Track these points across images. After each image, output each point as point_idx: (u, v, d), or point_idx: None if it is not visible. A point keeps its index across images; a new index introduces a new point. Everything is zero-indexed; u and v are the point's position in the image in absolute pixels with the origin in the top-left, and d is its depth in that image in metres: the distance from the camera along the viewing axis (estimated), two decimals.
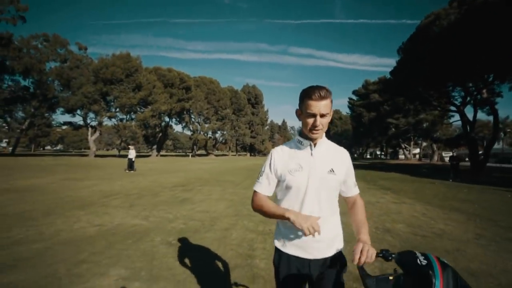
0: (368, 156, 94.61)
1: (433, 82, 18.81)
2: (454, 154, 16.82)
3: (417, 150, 66.29)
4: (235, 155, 75.14)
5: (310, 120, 1.20)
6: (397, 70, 22.79)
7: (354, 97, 66.36)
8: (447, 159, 34.87)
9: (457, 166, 15.21)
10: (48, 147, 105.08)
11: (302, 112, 1.23)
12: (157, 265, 3.13)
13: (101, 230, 4.37)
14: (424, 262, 0.91)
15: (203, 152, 73.98)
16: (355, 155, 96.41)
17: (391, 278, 0.98)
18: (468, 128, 24.78)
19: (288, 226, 1.27)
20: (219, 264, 3.19)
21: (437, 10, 16.07)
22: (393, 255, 1.05)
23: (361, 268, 1.04)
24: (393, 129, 53.74)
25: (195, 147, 63.16)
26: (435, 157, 54.70)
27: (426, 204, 7.28)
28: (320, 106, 1.16)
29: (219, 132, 64.60)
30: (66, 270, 2.93)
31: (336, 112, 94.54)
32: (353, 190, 1.38)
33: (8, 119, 54.31)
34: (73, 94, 35.73)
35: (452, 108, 26.54)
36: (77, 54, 39.52)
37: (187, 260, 3.27)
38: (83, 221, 4.88)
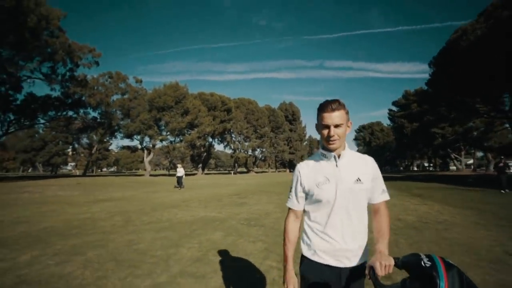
0: (415, 168, 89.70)
1: (467, 92, 19.12)
2: (502, 163, 14.39)
3: (471, 161, 61.80)
4: (274, 172, 76.87)
5: (326, 131, 1.25)
6: (431, 82, 23.23)
7: (395, 108, 64.79)
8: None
9: (501, 175, 13.34)
10: (104, 169, 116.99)
11: (319, 125, 1.29)
12: (239, 230, 5.16)
13: (195, 218, 6.59)
14: (428, 263, 0.89)
15: (243, 169, 76.98)
16: (401, 168, 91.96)
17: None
18: None
19: (318, 232, 1.31)
20: (275, 233, 5.11)
21: (464, 26, 16.85)
22: (399, 259, 1.05)
23: (374, 278, 1.04)
24: (440, 139, 51.41)
25: (236, 164, 66.42)
26: (491, 167, 50.71)
27: (446, 205, 8.43)
28: (333, 117, 1.22)
29: (258, 149, 67.25)
30: (190, 231, 5.13)
31: (378, 124, 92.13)
32: (380, 196, 1.36)
33: (76, 145, 63.07)
34: (132, 121, 41.19)
35: (499, 114, 25.73)
36: (134, 86, 45.65)
37: (254, 230, 5.25)
38: (179, 214, 7.19)
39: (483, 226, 5.54)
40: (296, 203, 1.40)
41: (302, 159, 77.51)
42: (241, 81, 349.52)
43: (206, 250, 4.12)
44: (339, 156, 1.30)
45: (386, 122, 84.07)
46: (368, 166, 1.34)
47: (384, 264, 1.06)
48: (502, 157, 26.39)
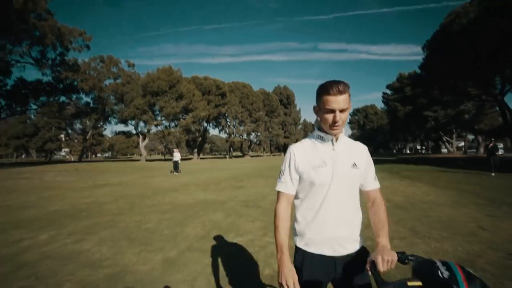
0: (408, 151, 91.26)
1: (459, 75, 19.46)
2: (491, 145, 14.47)
3: (463, 143, 63.17)
4: (269, 156, 77.61)
5: (330, 116, 1.18)
6: (424, 65, 23.46)
7: (388, 92, 65.07)
8: (501, 151, 31.55)
9: (492, 157, 13.34)
10: (99, 154, 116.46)
11: (321, 109, 1.21)
12: (238, 211, 5.54)
13: (196, 201, 6.96)
14: (446, 274, 0.81)
15: (238, 153, 77.52)
16: (394, 150, 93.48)
17: (409, 283, 0.88)
18: (509, 117, 24.51)
19: (310, 221, 1.25)
20: (271, 213, 5.49)
21: (458, 9, 16.93)
22: (409, 258, 1.01)
23: (375, 274, 0.99)
24: (432, 122, 52.29)
25: (231, 149, 66.85)
26: (481, 149, 52.08)
27: (433, 186, 8.95)
28: (339, 101, 1.14)
29: (253, 133, 67.61)
30: (193, 213, 5.50)
31: (372, 107, 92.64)
32: (373, 183, 1.35)
33: (69, 131, 62.48)
34: (126, 106, 40.88)
35: (490, 98, 26.25)
36: (127, 70, 44.94)
37: (252, 211, 5.64)
38: (180, 197, 7.55)
39: (463, 205, 6.01)
40: (291, 186, 1.30)
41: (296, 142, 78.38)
42: (235, 63, 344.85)
43: (209, 229, 4.49)
44: (336, 140, 1.26)
45: (380, 105, 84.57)
46: (362, 152, 1.33)
47: (386, 259, 1.03)
48: (493, 139, 27.02)
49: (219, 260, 3.20)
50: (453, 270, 0.81)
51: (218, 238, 3.99)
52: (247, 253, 3.44)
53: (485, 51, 15.50)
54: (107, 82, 42.05)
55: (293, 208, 1.33)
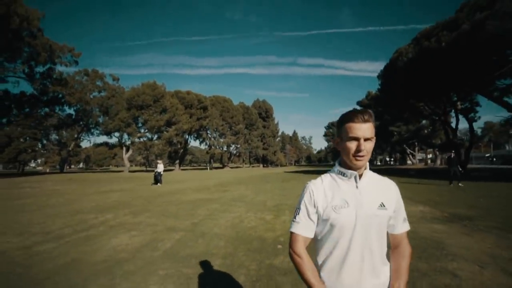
0: (379, 163, 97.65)
1: (408, 98, 23.61)
2: (452, 157, 13.82)
3: (425, 156, 69.52)
4: (248, 167, 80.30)
5: (353, 145, 1.07)
6: (381, 90, 27.62)
7: (359, 108, 70.34)
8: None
9: (451, 168, 13.34)
10: (73, 166, 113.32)
11: (342, 139, 1.11)
12: (229, 204, 8.23)
13: (196, 199, 9.54)
14: None
15: (219, 165, 79.49)
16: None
17: None
18: (450, 134, 29.15)
19: (330, 269, 1.13)
20: (251, 203, 8.20)
21: (401, 48, 21.04)
22: None
23: None
24: (397, 136, 57.87)
25: (211, 160, 68.84)
26: (438, 161, 58.12)
27: None
28: (363, 129, 1.06)
29: (233, 145, 70.25)
30: (198, 205, 8.12)
31: None
32: (403, 226, 1.20)
33: (45, 142, 61.65)
34: (111, 119, 42.23)
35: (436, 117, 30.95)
36: (112, 84, 46.38)
37: (238, 203, 8.34)
38: (183, 197, 10.11)
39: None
40: (308, 227, 1.15)
41: (275, 154, 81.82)
42: (215, 75, 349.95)
43: (212, 211, 7.13)
44: (360, 176, 1.13)
45: None
46: (391, 190, 1.19)
47: None
48: (453, 151, 31.27)
49: (221, 222, 5.87)
50: None
51: (219, 216, 6.64)
52: (238, 220, 6.14)
53: (420, 84, 19.47)
54: (92, 95, 43.30)
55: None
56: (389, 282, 1.16)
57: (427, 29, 19.41)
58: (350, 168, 1.13)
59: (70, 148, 45.59)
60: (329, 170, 1.24)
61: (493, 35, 13.65)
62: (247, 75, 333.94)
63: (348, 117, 1.10)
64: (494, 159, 59.83)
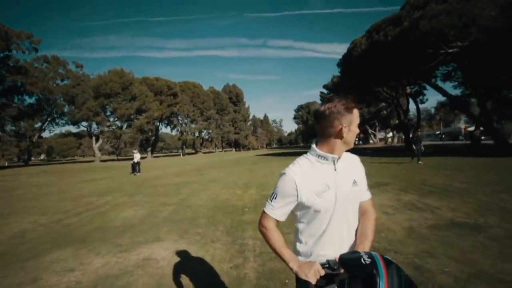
0: None
1: (363, 85, 26.33)
2: (416, 136, 14.65)
3: (389, 135, 75.50)
4: (221, 151, 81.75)
5: (357, 131, 1.14)
6: (341, 77, 30.15)
7: (325, 91, 73.81)
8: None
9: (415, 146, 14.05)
10: (33, 158, 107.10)
11: (352, 124, 1.12)
12: (206, 184, 9.96)
13: (178, 182, 11.11)
14: (368, 260, 0.89)
15: (191, 150, 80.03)
16: None
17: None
18: (402, 116, 32.82)
19: (314, 244, 1.19)
20: (224, 183, 9.97)
21: (356, 40, 23.35)
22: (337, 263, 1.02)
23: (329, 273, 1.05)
24: (360, 118, 62.15)
25: (184, 146, 69.25)
26: (395, 140, 63.84)
27: None
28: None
29: (205, 131, 70.97)
30: (181, 186, 9.75)
31: (314, 103, 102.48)
32: (365, 194, 1.28)
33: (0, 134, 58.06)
34: (77, 108, 41.12)
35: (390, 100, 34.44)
36: (75, 72, 44.62)
37: (214, 183, 10.09)
38: (166, 181, 11.60)
39: None
40: (281, 214, 1.19)
41: (246, 138, 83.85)
42: (185, 58, 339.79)
43: (194, 190, 8.83)
44: (338, 159, 1.16)
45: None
46: (357, 165, 1.26)
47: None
48: (419, 130, 34.21)
49: (202, 197, 7.61)
50: (374, 257, 0.90)
51: (201, 193, 8.34)
52: (215, 195, 7.89)
53: (373, 72, 22.02)
54: (56, 83, 41.56)
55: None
56: (354, 242, 1.20)
57: (378, 23, 21.73)
58: (331, 152, 1.14)
59: (34, 140, 43.77)
60: (304, 153, 1.22)
61: (425, 33, 16.18)
62: (218, 58, 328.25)
63: (354, 104, 1.12)
64: (443, 136, 66.72)
